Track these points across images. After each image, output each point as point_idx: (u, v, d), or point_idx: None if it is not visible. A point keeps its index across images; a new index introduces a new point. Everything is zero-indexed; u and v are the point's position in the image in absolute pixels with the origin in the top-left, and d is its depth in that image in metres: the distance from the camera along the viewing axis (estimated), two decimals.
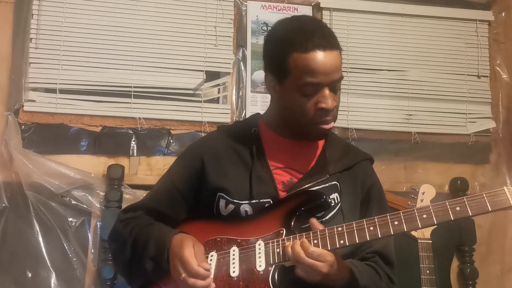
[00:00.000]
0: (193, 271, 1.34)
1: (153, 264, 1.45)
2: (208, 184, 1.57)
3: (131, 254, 1.51)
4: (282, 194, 1.52)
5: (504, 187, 1.29)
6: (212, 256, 1.46)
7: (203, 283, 1.34)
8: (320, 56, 1.45)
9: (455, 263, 2.99)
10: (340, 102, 1.55)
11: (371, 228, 1.34)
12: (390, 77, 3.14)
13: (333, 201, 1.52)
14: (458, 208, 1.30)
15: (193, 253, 1.36)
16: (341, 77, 1.50)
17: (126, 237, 1.53)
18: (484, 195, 1.29)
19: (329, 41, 1.48)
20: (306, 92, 1.47)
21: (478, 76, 3.23)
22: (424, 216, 1.31)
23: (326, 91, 1.47)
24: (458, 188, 3.00)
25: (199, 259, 1.36)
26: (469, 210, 1.29)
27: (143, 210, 1.61)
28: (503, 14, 3.31)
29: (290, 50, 1.47)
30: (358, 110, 3.03)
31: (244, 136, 1.62)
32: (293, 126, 1.55)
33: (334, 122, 1.54)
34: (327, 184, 1.53)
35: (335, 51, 1.48)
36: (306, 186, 1.51)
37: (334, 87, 1.49)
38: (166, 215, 1.59)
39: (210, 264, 1.43)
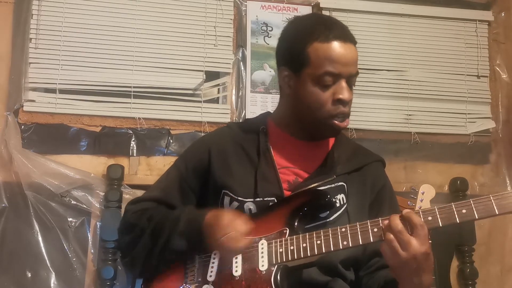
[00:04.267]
0: (244, 224, 1.41)
1: (184, 240, 1.45)
2: (213, 180, 1.57)
3: (151, 241, 1.49)
4: (287, 193, 1.51)
5: None
6: (215, 254, 1.45)
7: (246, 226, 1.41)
8: (341, 47, 1.47)
9: (454, 263, 2.99)
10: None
11: (375, 229, 1.31)
12: (390, 77, 3.14)
13: (338, 202, 1.51)
14: (464, 211, 1.26)
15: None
16: (357, 72, 1.52)
17: (144, 226, 1.51)
18: (492, 197, 1.24)
19: (348, 34, 1.50)
20: (324, 82, 1.47)
21: (478, 76, 3.22)
22: (429, 218, 1.28)
23: (343, 83, 1.48)
24: (458, 188, 3.00)
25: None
26: (475, 213, 1.25)
27: (153, 202, 1.60)
28: (503, 14, 3.31)
29: (310, 40, 1.48)
30: (358, 110, 3.01)
31: (252, 133, 1.62)
32: (307, 122, 1.54)
33: (348, 118, 1.53)
34: (333, 185, 1.52)
35: (354, 45, 1.50)
36: (312, 185, 1.49)
37: (351, 81, 1.51)
38: (176, 208, 1.57)
39: (214, 263, 1.43)
